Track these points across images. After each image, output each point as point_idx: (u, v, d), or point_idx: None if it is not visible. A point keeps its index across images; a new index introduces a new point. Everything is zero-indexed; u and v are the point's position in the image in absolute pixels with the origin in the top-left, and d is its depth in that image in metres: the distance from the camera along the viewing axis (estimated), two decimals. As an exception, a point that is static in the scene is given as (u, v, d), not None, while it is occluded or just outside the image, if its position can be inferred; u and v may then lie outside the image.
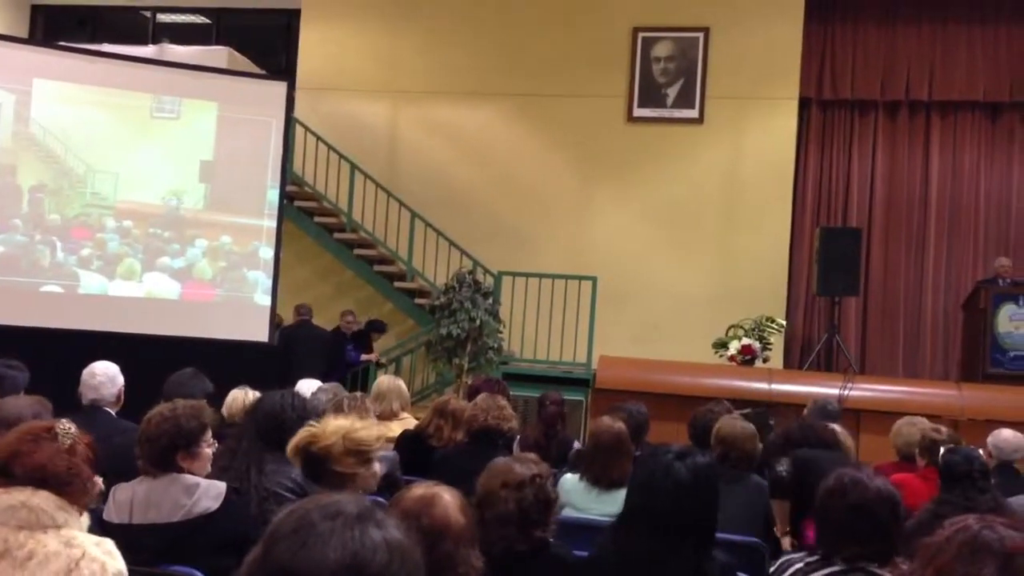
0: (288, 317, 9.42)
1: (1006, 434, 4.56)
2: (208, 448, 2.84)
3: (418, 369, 10.17)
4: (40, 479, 2.07)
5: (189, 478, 2.73)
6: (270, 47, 12.21)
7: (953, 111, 10.55)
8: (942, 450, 3.58)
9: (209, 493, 2.71)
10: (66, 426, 2.21)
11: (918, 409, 6.06)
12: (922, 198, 10.57)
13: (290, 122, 8.93)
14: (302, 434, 2.72)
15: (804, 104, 10.63)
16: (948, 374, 10.04)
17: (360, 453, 2.79)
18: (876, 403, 7.62)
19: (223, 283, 8.32)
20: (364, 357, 9.45)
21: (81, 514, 2.14)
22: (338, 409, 3.83)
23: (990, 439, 4.59)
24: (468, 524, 1.98)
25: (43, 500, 2.05)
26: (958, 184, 10.52)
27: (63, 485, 2.09)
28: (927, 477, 4.14)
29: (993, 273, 9.46)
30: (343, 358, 9.39)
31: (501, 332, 9.29)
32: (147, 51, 10.56)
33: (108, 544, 2.10)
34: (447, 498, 1.99)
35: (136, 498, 2.68)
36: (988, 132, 10.53)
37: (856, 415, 7.40)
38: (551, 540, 2.52)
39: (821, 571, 2.39)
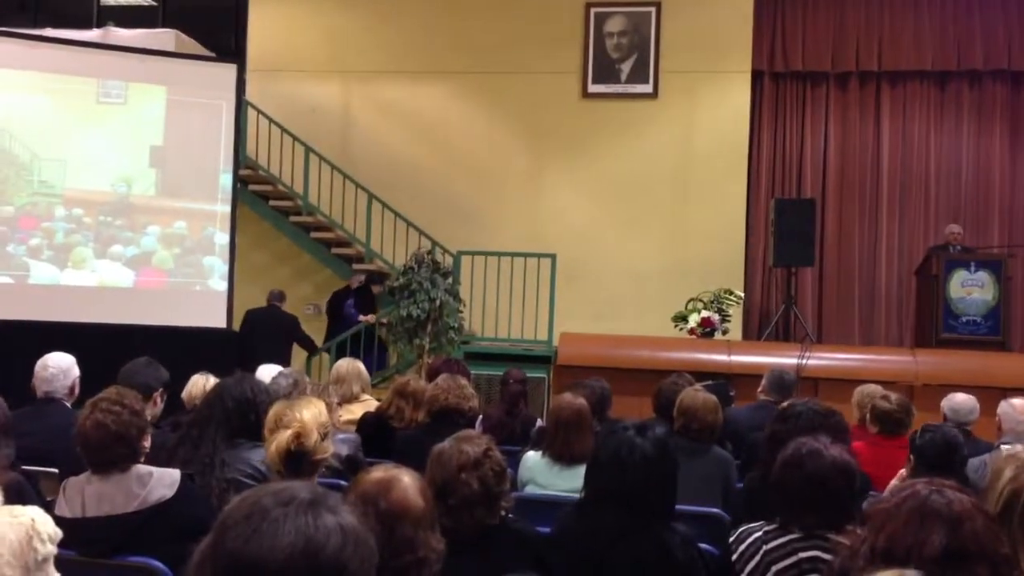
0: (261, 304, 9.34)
1: (960, 398, 4.65)
2: (148, 442, 2.79)
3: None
4: None
5: (142, 468, 2.69)
6: (218, 29, 11.98)
7: (902, 81, 10.67)
8: (919, 430, 3.45)
9: (163, 481, 2.67)
10: None
11: (873, 376, 6.18)
12: (874, 167, 10.70)
13: (241, 105, 8.80)
14: (284, 437, 2.68)
15: (757, 77, 10.69)
16: (903, 340, 10.21)
17: (327, 434, 2.80)
18: (833, 371, 7.74)
19: (178, 270, 8.21)
20: (362, 318, 9.39)
21: None
22: (300, 392, 3.79)
23: (944, 403, 4.68)
24: (427, 507, 1.97)
25: None
26: (909, 153, 10.66)
27: None
28: (877, 443, 4.23)
29: (944, 240, 9.61)
30: (343, 313, 9.48)
31: (461, 312, 9.27)
32: (92, 35, 10.30)
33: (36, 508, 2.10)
34: (406, 480, 1.98)
35: (88, 491, 2.63)
36: (937, 101, 10.66)
37: (814, 383, 7.52)
38: (509, 515, 2.53)
39: (780, 539, 2.43)
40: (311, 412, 2.79)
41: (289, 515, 1.16)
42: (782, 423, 3.29)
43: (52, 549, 2.03)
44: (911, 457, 3.39)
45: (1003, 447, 3.82)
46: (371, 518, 1.80)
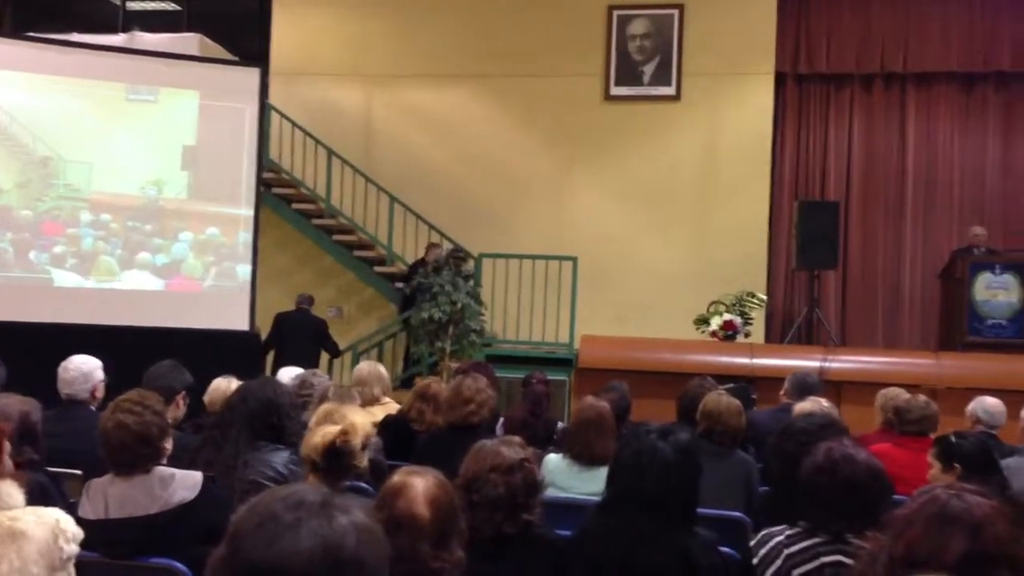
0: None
1: (991, 400, 4.61)
2: (169, 443, 2.81)
3: (399, 354, 10.15)
4: None
5: (164, 470, 2.71)
6: (242, 33, 12.08)
7: (928, 82, 10.58)
8: (952, 437, 3.41)
9: (185, 483, 2.68)
10: None
11: (897, 379, 6.11)
12: (899, 170, 10.62)
13: (265, 108, 8.85)
14: (332, 431, 2.68)
15: (780, 79, 10.63)
16: (927, 344, 10.11)
17: (367, 445, 2.82)
18: (856, 375, 7.68)
19: (207, 275, 8.17)
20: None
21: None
22: (322, 397, 3.81)
23: (975, 405, 4.64)
24: (438, 517, 1.96)
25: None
26: (933, 155, 10.57)
27: None
28: (902, 445, 4.20)
29: (968, 242, 9.52)
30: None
31: (483, 314, 9.28)
32: (117, 40, 10.42)
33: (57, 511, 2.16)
34: (418, 488, 1.98)
35: (110, 493, 2.65)
36: (962, 102, 10.57)
37: (837, 387, 7.45)
38: (535, 522, 2.53)
39: (802, 543, 2.41)
40: (362, 418, 2.82)
41: (303, 519, 1.16)
42: (786, 439, 3.23)
43: (75, 549, 2.06)
44: (955, 464, 3.31)
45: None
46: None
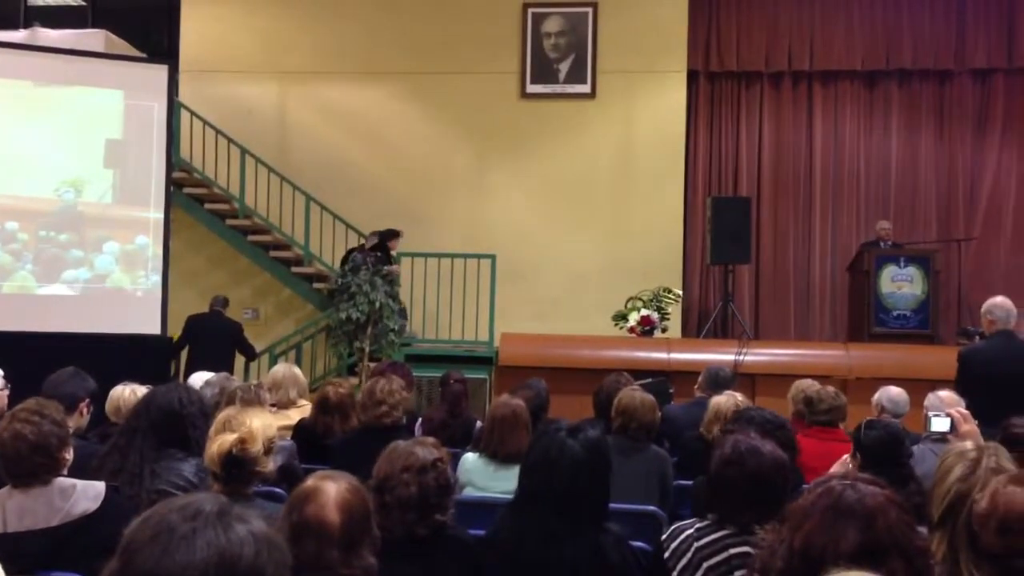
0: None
1: (896, 390, 4.74)
2: (70, 453, 2.72)
3: (319, 354, 10.02)
4: None
5: (65, 480, 2.62)
6: (150, 29, 11.78)
7: (834, 80, 10.89)
8: (863, 426, 3.41)
9: (87, 494, 2.60)
10: None
11: (808, 371, 6.28)
12: (807, 166, 10.91)
13: (173, 106, 8.65)
14: (228, 439, 2.62)
15: (692, 77, 10.81)
16: (837, 335, 10.41)
17: (271, 449, 2.75)
18: (770, 367, 7.87)
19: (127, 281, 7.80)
20: (387, 269, 9.18)
21: None
22: (230, 401, 3.73)
23: (880, 395, 4.76)
24: (345, 524, 1.94)
25: None
26: (840, 151, 10.89)
27: None
28: (812, 435, 4.32)
29: (875, 236, 9.83)
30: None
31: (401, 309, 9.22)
32: (18, 36, 10.07)
33: None
34: (330, 493, 1.96)
35: (9, 506, 2.56)
36: (867, 100, 10.90)
37: (751, 379, 7.62)
38: (448, 523, 2.52)
39: (711, 536, 2.45)
40: (261, 422, 2.74)
41: (198, 530, 1.13)
42: (734, 425, 3.28)
43: None
44: (856, 454, 3.37)
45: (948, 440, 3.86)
46: (283, 530, 1.78)
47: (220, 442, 2.60)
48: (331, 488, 1.97)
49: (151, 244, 8.01)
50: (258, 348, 9.24)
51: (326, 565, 1.87)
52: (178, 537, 1.13)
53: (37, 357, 4.93)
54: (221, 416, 2.78)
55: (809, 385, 4.90)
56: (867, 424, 3.45)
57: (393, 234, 9.64)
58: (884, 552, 1.65)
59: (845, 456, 3.49)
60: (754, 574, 1.85)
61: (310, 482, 2.02)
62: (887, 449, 3.32)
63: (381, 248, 9.42)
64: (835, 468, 3.43)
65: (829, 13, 10.69)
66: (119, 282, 7.72)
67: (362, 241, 9.69)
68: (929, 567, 1.76)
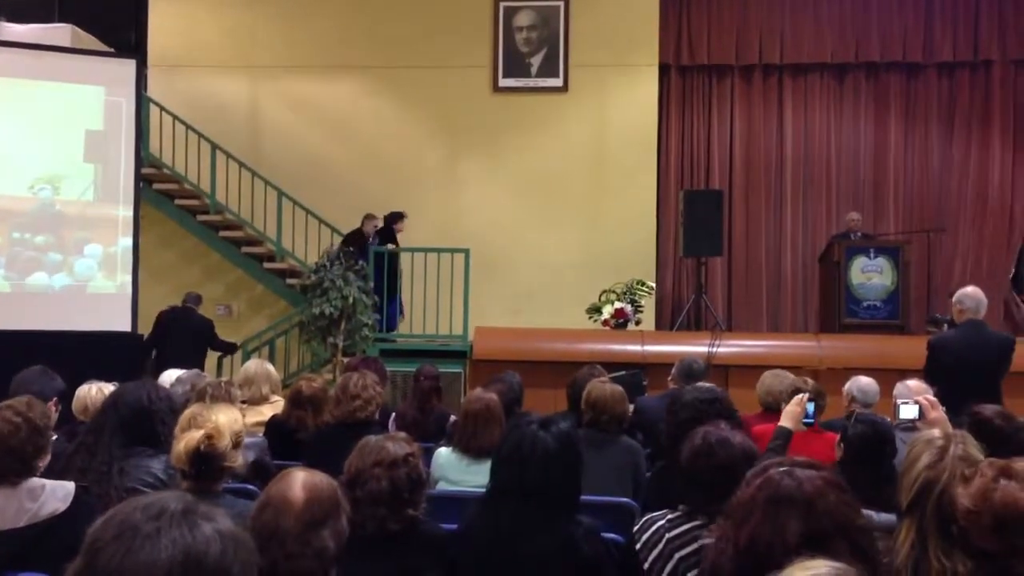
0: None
1: (865, 380, 4.78)
2: (44, 461, 2.69)
3: (292, 350, 9.97)
4: None
5: (34, 481, 2.59)
6: (118, 23, 11.63)
7: (803, 73, 10.97)
8: (851, 420, 3.33)
9: (56, 494, 2.58)
10: None
11: (780, 361, 6.32)
12: (778, 158, 10.98)
13: (141, 101, 8.56)
14: (195, 436, 2.59)
15: (664, 70, 10.85)
16: (808, 326, 10.50)
17: (240, 443, 2.73)
18: (742, 358, 7.91)
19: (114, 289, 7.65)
20: (391, 246, 9.45)
21: None
22: (200, 398, 3.70)
23: (851, 385, 4.80)
24: (307, 501, 1.91)
25: None
26: (810, 143, 10.97)
27: None
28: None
29: (845, 227, 9.91)
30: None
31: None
32: (-18, 30, 9.92)
33: None
34: (298, 476, 1.96)
35: None
36: (836, 92, 10.99)
37: (725, 371, 7.66)
38: (420, 518, 2.52)
39: (682, 526, 2.47)
40: (227, 417, 2.72)
41: (163, 528, 1.12)
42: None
43: None
44: (841, 445, 3.31)
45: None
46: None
47: (187, 439, 2.57)
48: (302, 473, 1.97)
49: (120, 237, 7.93)
50: (230, 344, 9.16)
51: (279, 538, 1.85)
52: (142, 536, 1.11)
53: (4, 355, 4.88)
54: (187, 413, 2.75)
55: (783, 375, 4.91)
56: (857, 417, 3.41)
57: (398, 216, 9.75)
58: (827, 537, 1.66)
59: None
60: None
61: (274, 482, 2.01)
62: (870, 446, 3.24)
63: (387, 231, 9.45)
64: (784, 421, 3.39)
65: (799, 7, 10.76)
66: (102, 288, 7.57)
67: (372, 223, 9.78)
68: (873, 545, 1.76)
